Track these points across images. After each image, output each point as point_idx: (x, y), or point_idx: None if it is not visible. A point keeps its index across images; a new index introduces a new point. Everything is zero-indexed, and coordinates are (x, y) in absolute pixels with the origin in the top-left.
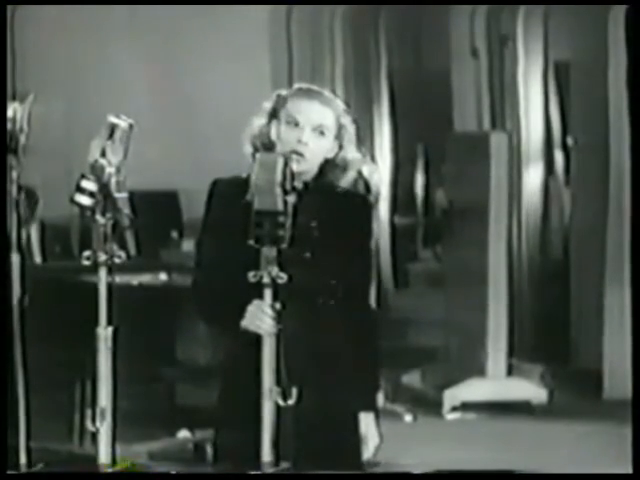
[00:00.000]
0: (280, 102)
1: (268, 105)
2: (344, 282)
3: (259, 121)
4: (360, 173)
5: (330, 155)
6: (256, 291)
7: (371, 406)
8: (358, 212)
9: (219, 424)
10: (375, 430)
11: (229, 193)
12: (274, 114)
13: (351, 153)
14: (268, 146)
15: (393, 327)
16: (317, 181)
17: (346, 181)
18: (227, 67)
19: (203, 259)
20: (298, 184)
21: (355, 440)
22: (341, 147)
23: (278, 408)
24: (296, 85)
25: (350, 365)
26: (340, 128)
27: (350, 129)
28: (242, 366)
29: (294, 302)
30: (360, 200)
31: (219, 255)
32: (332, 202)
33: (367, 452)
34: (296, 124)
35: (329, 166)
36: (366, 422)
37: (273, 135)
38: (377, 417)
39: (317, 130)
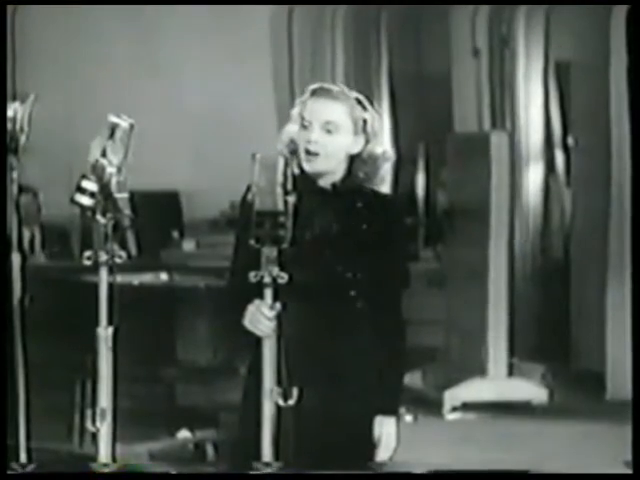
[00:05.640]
0: (301, 107)
1: (295, 111)
2: (372, 286)
3: (291, 128)
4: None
5: (354, 151)
6: (283, 290)
7: (393, 410)
8: (389, 215)
9: (242, 423)
10: (394, 433)
11: None
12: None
13: (379, 146)
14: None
15: None
16: (345, 182)
17: (379, 177)
18: (228, 67)
19: (237, 259)
20: (326, 185)
21: (369, 442)
22: (367, 141)
23: (280, 409)
24: (313, 86)
25: (375, 368)
26: (357, 121)
27: (373, 122)
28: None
29: (313, 303)
30: (391, 203)
31: (251, 255)
32: (360, 204)
33: (385, 455)
34: (307, 124)
35: (357, 163)
36: (386, 424)
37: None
38: (398, 420)
39: (326, 127)
